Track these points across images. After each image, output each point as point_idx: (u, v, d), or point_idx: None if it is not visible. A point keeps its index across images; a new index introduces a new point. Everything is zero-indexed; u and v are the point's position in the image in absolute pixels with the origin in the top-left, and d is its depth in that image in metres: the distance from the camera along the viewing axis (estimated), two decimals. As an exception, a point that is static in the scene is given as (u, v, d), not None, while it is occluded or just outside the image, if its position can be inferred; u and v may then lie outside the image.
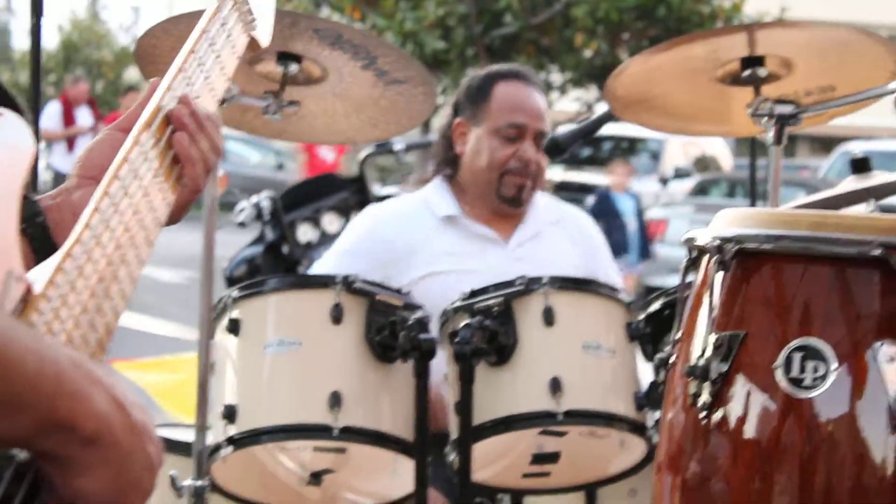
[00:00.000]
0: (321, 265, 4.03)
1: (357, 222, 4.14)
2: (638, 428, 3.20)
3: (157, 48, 3.26)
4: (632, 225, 13.90)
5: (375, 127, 3.55)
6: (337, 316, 3.16)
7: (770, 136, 3.17)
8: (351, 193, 9.32)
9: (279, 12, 3.20)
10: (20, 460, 1.31)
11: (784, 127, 3.15)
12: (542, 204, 4.10)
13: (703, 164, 15.90)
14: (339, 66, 3.33)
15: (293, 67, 3.32)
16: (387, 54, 3.30)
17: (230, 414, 3.14)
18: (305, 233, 9.50)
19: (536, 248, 4.01)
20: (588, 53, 20.33)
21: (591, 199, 17.43)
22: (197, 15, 3.15)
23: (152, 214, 1.66)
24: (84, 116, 15.49)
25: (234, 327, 3.20)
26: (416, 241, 3.97)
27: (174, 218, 1.79)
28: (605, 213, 13.47)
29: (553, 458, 3.32)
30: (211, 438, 3.21)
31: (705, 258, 2.35)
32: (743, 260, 2.27)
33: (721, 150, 15.81)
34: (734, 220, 2.34)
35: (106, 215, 1.55)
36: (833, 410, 2.16)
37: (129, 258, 1.57)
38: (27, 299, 1.37)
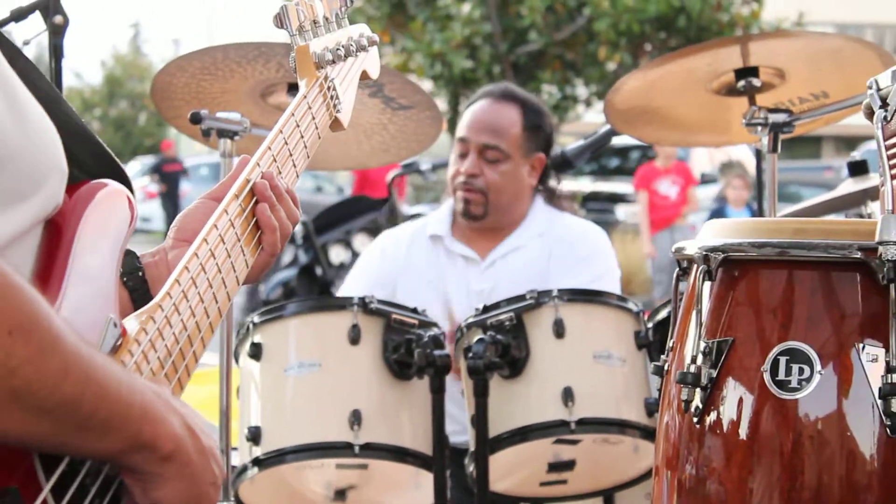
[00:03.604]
0: (343, 288, 4.19)
1: (368, 247, 4.31)
2: (650, 434, 3.27)
3: (172, 85, 3.37)
4: None
5: (386, 152, 3.64)
6: (355, 337, 3.26)
7: (765, 143, 3.25)
8: (380, 214, 9.44)
9: (288, 46, 3.32)
10: (106, 473, 1.51)
11: (778, 135, 3.23)
12: (539, 218, 4.18)
13: (730, 169, 15.87)
14: (348, 94, 3.43)
15: (303, 98, 3.42)
16: (392, 81, 3.40)
17: (255, 436, 3.23)
18: (338, 254, 9.64)
19: (508, 263, 4.11)
20: (612, 66, 20.40)
21: (620, 209, 17.47)
22: (207, 51, 3.29)
23: (233, 274, 1.88)
24: None
25: (256, 352, 3.29)
26: (405, 263, 4.12)
27: (253, 277, 2.02)
28: None
29: (569, 465, 3.40)
30: (238, 460, 3.30)
31: (693, 268, 2.43)
32: (729, 268, 2.34)
33: (747, 156, 15.79)
34: (720, 230, 2.41)
35: (193, 274, 1.76)
36: (820, 410, 2.21)
37: (211, 311, 1.79)
38: (121, 342, 1.57)
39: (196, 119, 3.13)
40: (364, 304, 3.28)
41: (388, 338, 3.29)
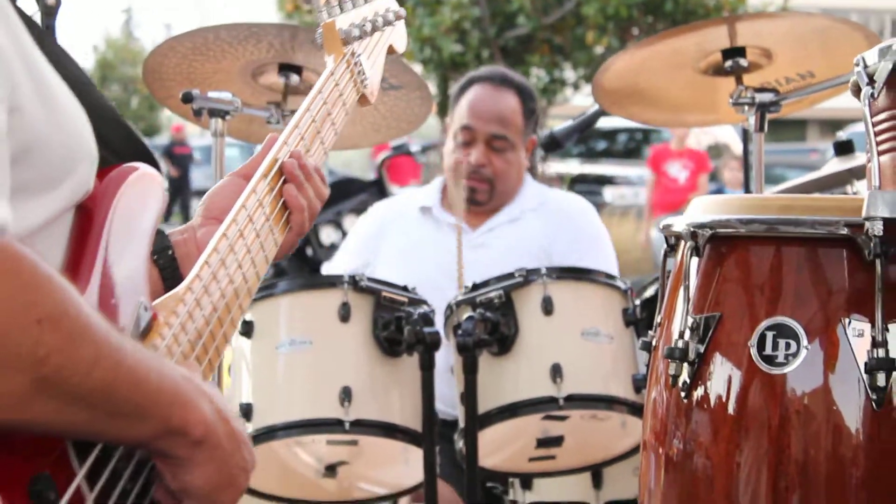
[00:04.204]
0: (336, 257, 4.23)
1: (361, 217, 4.38)
2: (637, 409, 3.31)
3: (164, 66, 3.39)
4: None
5: (377, 132, 3.67)
6: (345, 314, 3.28)
7: (751, 123, 3.28)
8: (370, 195, 9.49)
9: (279, 26, 3.35)
10: (138, 457, 1.53)
11: (765, 114, 3.26)
12: (529, 192, 4.24)
13: (716, 151, 15.90)
14: (338, 74, 3.45)
15: (294, 78, 3.44)
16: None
17: (246, 412, 3.26)
18: (328, 235, 9.71)
19: (502, 234, 4.17)
20: (600, 50, 20.49)
21: (607, 191, 17.47)
22: (198, 32, 3.31)
23: (262, 253, 1.88)
24: None
25: (247, 329, 3.32)
26: (392, 231, 4.18)
27: (280, 256, 2.04)
28: None
29: (557, 441, 3.44)
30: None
31: (681, 244, 2.46)
32: (716, 245, 2.36)
33: (732, 138, 15.91)
34: (708, 207, 2.43)
35: (223, 255, 1.77)
36: (806, 385, 2.24)
37: (241, 291, 1.79)
38: (152, 325, 1.59)
39: (188, 98, 3.15)
40: (354, 282, 3.31)
41: (378, 315, 3.31)
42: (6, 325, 1.26)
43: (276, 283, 3.41)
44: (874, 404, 2.20)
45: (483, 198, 4.16)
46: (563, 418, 3.37)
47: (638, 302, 3.45)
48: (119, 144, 1.76)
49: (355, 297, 3.31)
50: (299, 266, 9.50)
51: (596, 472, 3.61)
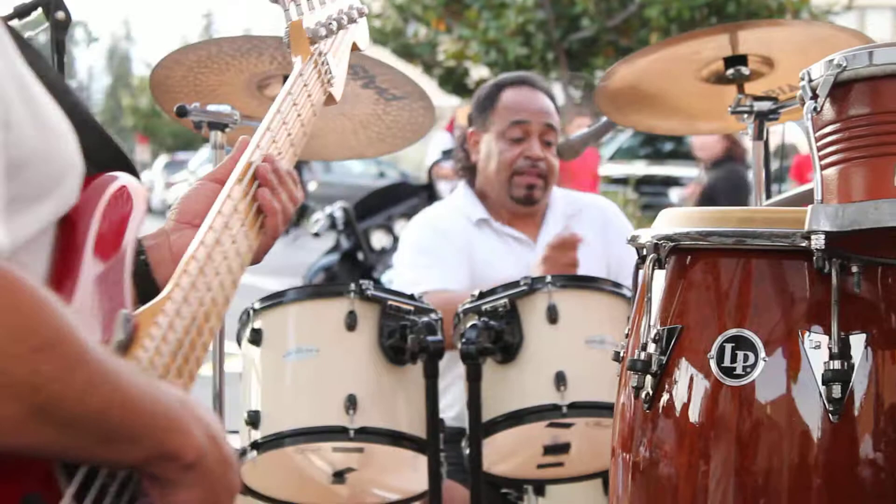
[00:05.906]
0: (402, 281, 4.15)
1: (410, 229, 4.32)
2: (641, 417, 3.31)
3: (170, 78, 3.45)
4: None
5: (383, 141, 3.70)
6: (351, 323, 3.32)
7: (750, 131, 3.28)
8: (421, 200, 9.53)
9: (279, 39, 3.39)
10: (122, 477, 1.52)
11: (764, 122, 3.26)
12: (560, 199, 4.25)
13: (783, 153, 15.77)
14: (341, 86, 3.49)
15: (298, 90, 3.48)
16: (384, 73, 3.46)
17: (254, 420, 3.30)
18: (379, 239, 9.76)
19: None
20: (664, 51, 20.46)
21: (673, 192, 17.34)
22: (202, 45, 3.37)
23: (238, 260, 1.86)
24: None
25: (256, 337, 3.36)
26: (463, 242, 4.15)
27: (255, 260, 2.02)
28: None
29: (564, 448, 3.46)
30: (238, 443, 3.39)
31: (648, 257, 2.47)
32: (679, 257, 2.38)
33: (799, 138, 15.74)
34: (672, 219, 2.44)
35: (201, 262, 1.75)
36: (765, 396, 2.25)
37: (218, 299, 1.77)
38: (134, 337, 1.57)
39: (182, 112, 3.21)
40: (361, 291, 3.34)
41: (384, 323, 3.33)
42: (3, 354, 1.27)
43: (286, 291, 3.45)
44: (830, 416, 2.21)
45: (538, 195, 4.15)
46: (568, 425, 3.39)
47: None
48: (97, 152, 1.72)
49: (362, 305, 3.34)
50: (351, 270, 9.57)
51: (606, 479, 3.61)
